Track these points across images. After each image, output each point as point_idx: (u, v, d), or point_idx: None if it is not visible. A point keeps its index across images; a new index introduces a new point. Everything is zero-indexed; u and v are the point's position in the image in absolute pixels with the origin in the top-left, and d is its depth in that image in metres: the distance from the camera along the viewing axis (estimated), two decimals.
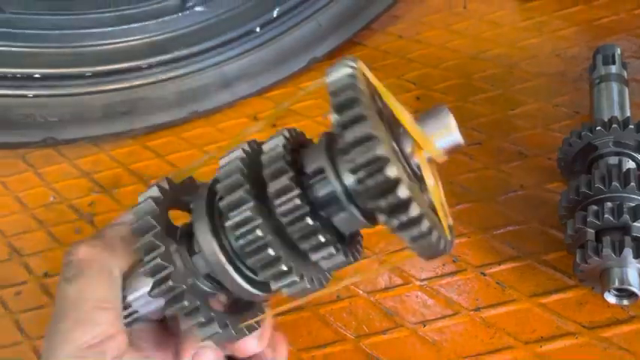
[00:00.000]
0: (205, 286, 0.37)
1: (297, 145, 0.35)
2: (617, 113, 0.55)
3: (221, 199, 0.33)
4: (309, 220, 0.31)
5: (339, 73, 0.29)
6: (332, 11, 0.75)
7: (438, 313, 0.51)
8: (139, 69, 0.69)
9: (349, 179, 0.31)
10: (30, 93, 0.64)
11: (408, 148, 0.31)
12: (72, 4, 0.66)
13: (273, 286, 0.33)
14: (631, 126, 0.49)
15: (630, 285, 0.43)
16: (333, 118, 0.27)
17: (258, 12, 0.73)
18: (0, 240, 0.70)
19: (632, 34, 0.72)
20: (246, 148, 0.35)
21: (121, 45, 0.68)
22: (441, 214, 0.32)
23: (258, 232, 0.31)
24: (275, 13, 0.73)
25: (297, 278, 0.32)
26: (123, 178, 0.74)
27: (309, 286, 0.33)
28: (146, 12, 0.69)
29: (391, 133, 0.31)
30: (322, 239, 0.31)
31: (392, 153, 0.27)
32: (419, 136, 0.30)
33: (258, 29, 0.73)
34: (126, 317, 0.37)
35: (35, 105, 0.64)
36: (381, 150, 0.26)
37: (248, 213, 0.32)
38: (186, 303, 0.33)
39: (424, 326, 0.50)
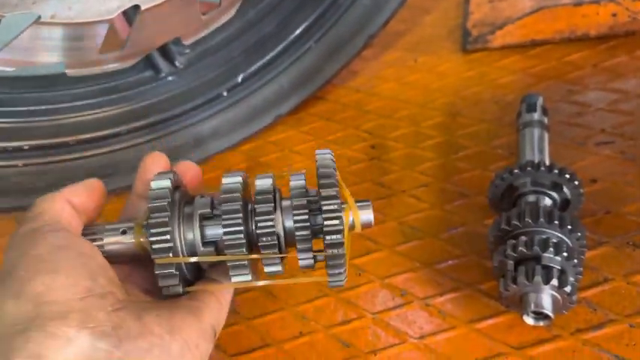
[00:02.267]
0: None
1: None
2: (537, 156, 0.62)
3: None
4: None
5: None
6: (292, 73, 0.83)
7: (388, 343, 0.57)
8: (118, 135, 0.76)
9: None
10: (20, 163, 0.71)
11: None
12: (55, 81, 0.73)
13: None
14: (542, 168, 0.56)
15: (543, 308, 0.49)
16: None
17: (224, 78, 0.81)
18: None
19: (560, 79, 0.80)
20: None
21: (100, 115, 0.75)
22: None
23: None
24: (240, 79, 0.81)
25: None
26: None
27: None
28: (123, 84, 0.76)
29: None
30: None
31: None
32: (355, 211, 0.46)
33: (225, 93, 0.81)
34: None
35: (25, 173, 0.71)
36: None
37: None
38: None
39: (375, 355, 0.56)
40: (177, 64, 0.79)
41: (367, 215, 0.46)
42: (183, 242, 0.46)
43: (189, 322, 0.43)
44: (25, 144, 0.70)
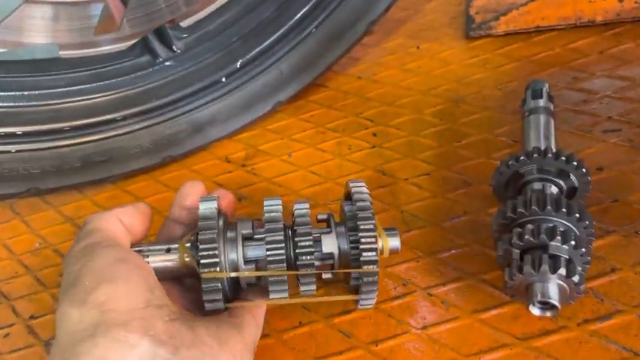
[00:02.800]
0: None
1: None
2: (542, 143, 0.61)
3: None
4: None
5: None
6: (292, 59, 0.81)
7: (389, 333, 0.56)
8: (114, 121, 0.75)
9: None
10: (13, 148, 0.69)
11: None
12: (50, 66, 0.72)
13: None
14: (549, 155, 0.55)
15: (550, 298, 0.48)
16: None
17: (222, 64, 0.79)
18: None
19: (565, 67, 0.79)
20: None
21: (96, 100, 0.73)
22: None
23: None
24: (238, 65, 0.79)
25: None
26: None
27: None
28: (119, 69, 0.75)
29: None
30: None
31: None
32: (384, 239, 0.52)
33: (224, 79, 0.79)
34: None
35: (18, 159, 0.70)
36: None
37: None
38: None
39: (376, 346, 0.55)
40: (174, 48, 0.77)
41: (395, 242, 0.53)
42: (226, 261, 0.50)
43: (235, 336, 0.47)
44: (18, 129, 0.69)
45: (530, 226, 0.50)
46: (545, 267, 0.47)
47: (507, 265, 0.51)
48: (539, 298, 0.48)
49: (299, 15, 0.80)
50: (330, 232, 0.52)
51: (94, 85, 0.73)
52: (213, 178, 0.81)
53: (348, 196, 0.54)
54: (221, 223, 0.51)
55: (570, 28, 0.84)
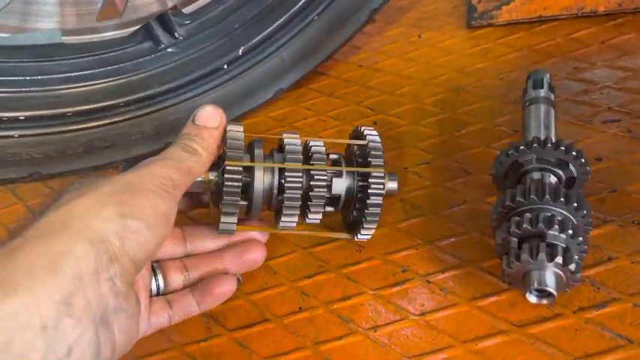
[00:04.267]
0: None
1: None
2: (542, 133, 0.61)
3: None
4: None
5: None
6: (293, 47, 0.81)
7: (388, 319, 0.57)
8: (117, 107, 0.75)
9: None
10: (16, 133, 0.70)
11: None
12: (53, 51, 0.72)
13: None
14: (549, 144, 0.55)
15: (547, 286, 0.48)
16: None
17: (224, 51, 0.79)
18: None
19: (567, 57, 0.79)
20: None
21: (99, 86, 0.74)
22: None
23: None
24: (240, 52, 0.79)
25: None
26: None
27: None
28: (122, 55, 0.75)
29: None
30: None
31: None
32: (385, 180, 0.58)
33: (225, 66, 0.80)
34: None
35: (21, 144, 0.70)
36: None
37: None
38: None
39: (375, 331, 0.56)
40: (177, 35, 0.77)
41: (393, 184, 0.59)
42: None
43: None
44: (21, 114, 0.69)
45: (528, 215, 0.51)
46: (542, 255, 0.48)
47: (505, 253, 0.52)
48: (536, 285, 0.49)
49: (301, 2, 0.80)
50: (340, 175, 0.58)
51: (97, 70, 0.74)
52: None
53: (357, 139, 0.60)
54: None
55: (572, 18, 0.84)
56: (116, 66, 0.75)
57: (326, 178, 0.56)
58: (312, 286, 0.62)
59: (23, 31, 0.64)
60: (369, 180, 0.55)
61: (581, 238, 0.49)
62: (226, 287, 0.56)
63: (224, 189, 0.52)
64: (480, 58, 0.84)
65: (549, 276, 0.49)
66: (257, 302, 0.62)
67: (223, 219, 0.54)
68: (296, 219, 0.57)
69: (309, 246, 0.64)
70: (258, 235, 0.60)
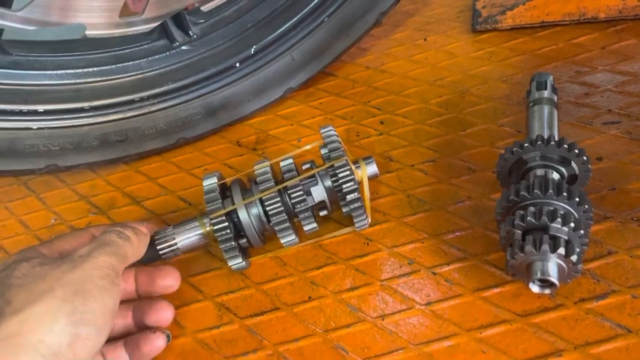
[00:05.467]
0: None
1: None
2: (546, 132, 0.63)
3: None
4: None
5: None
6: (304, 47, 0.83)
7: (395, 308, 0.59)
8: (131, 102, 0.77)
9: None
10: (34, 125, 0.72)
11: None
12: (72, 47, 0.74)
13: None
14: (552, 142, 0.57)
15: (550, 276, 0.51)
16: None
17: (237, 50, 0.81)
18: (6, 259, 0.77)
19: (569, 61, 0.81)
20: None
21: (115, 81, 0.76)
22: (367, 203, 0.61)
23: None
24: (252, 51, 0.81)
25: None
26: (118, 200, 0.82)
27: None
28: (137, 52, 0.77)
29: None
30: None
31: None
32: (363, 168, 0.62)
33: (237, 64, 0.82)
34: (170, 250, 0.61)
35: (39, 136, 0.72)
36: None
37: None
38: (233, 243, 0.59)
39: (383, 320, 0.58)
40: (191, 33, 0.79)
41: (372, 168, 0.62)
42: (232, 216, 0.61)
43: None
44: (40, 107, 0.71)
45: (532, 209, 0.53)
46: (545, 246, 0.50)
47: (509, 244, 0.54)
48: (539, 275, 0.51)
49: (312, 4, 0.82)
50: (316, 182, 0.61)
51: (113, 66, 0.76)
52: (224, 161, 0.83)
53: None
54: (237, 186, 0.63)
55: (574, 24, 0.87)
56: (132, 62, 0.77)
57: (302, 191, 0.59)
58: (321, 276, 0.64)
59: (49, 25, 0.66)
60: (337, 172, 0.58)
61: (582, 232, 0.51)
62: (156, 344, 0.58)
63: (217, 239, 0.59)
64: (484, 61, 0.86)
65: (552, 266, 0.51)
66: (268, 291, 0.64)
67: (230, 262, 0.60)
68: (294, 236, 0.61)
69: (318, 239, 0.66)
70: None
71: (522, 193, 0.54)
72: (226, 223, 0.58)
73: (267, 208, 0.59)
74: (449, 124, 0.78)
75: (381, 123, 0.82)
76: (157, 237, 0.61)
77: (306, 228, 0.61)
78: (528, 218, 0.52)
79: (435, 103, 0.82)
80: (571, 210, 0.53)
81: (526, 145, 0.59)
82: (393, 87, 0.87)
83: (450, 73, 0.87)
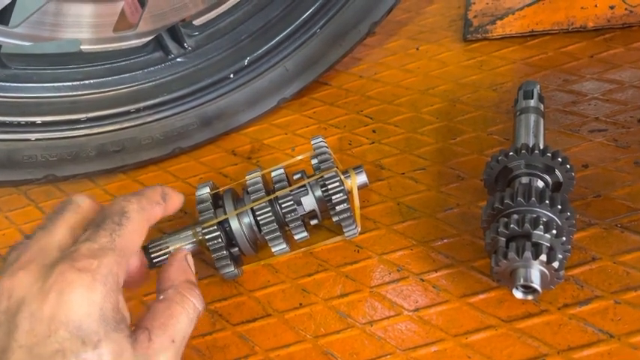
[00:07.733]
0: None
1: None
2: (531, 140, 0.65)
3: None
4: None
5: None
6: (297, 58, 0.85)
7: (384, 315, 0.60)
8: (128, 113, 0.79)
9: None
10: (32, 137, 0.73)
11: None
12: (69, 59, 0.76)
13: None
14: (537, 151, 0.59)
15: (532, 282, 0.52)
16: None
17: (230, 61, 0.83)
18: None
19: (557, 69, 0.83)
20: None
21: (111, 93, 0.77)
22: (357, 211, 0.63)
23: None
24: (246, 62, 0.83)
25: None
26: None
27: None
28: (133, 64, 0.79)
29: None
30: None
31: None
32: (353, 178, 0.63)
33: (231, 76, 0.83)
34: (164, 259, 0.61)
35: (37, 147, 0.74)
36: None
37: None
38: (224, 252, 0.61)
39: (371, 326, 0.59)
40: (186, 45, 0.81)
41: (362, 178, 0.63)
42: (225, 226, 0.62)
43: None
44: (38, 119, 0.73)
45: (515, 216, 0.54)
46: (528, 253, 0.51)
47: (494, 251, 0.55)
48: (522, 282, 0.52)
49: (305, 15, 0.83)
50: (306, 192, 0.62)
51: (110, 78, 0.78)
52: (219, 169, 0.85)
53: None
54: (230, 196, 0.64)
55: (563, 32, 0.88)
56: (128, 74, 0.79)
57: (292, 201, 0.61)
58: (312, 283, 0.65)
59: (44, 40, 0.68)
60: (327, 183, 0.60)
61: (564, 238, 0.53)
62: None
63: (209, 248, 0.60)
64: (475, 70, 0.88)
65: (534, 273, 0.52)
66: (259, 299, 0.65)
67: (221, 271, 0.62)
68: (285, 245, 0.63)
69: (310, 247, 0.68)
70: None
71: (506, 201, 0.56)
72: (218, 233, 0.60)
73: (259, 218, 0.61)
74: (439, 133, 0.79)
75: (373, 132, 0.83)
76: (151, 245, 0.62)
77: (296, 237, 0.63)
78: (512, 226, 0.53)
79: (426, 112, 0.83)
80: (554, 217, 0.54)
81: (511, 153, 0.60)
82: (386, 96, 0.89)
83: (442, 81, 0.88)
